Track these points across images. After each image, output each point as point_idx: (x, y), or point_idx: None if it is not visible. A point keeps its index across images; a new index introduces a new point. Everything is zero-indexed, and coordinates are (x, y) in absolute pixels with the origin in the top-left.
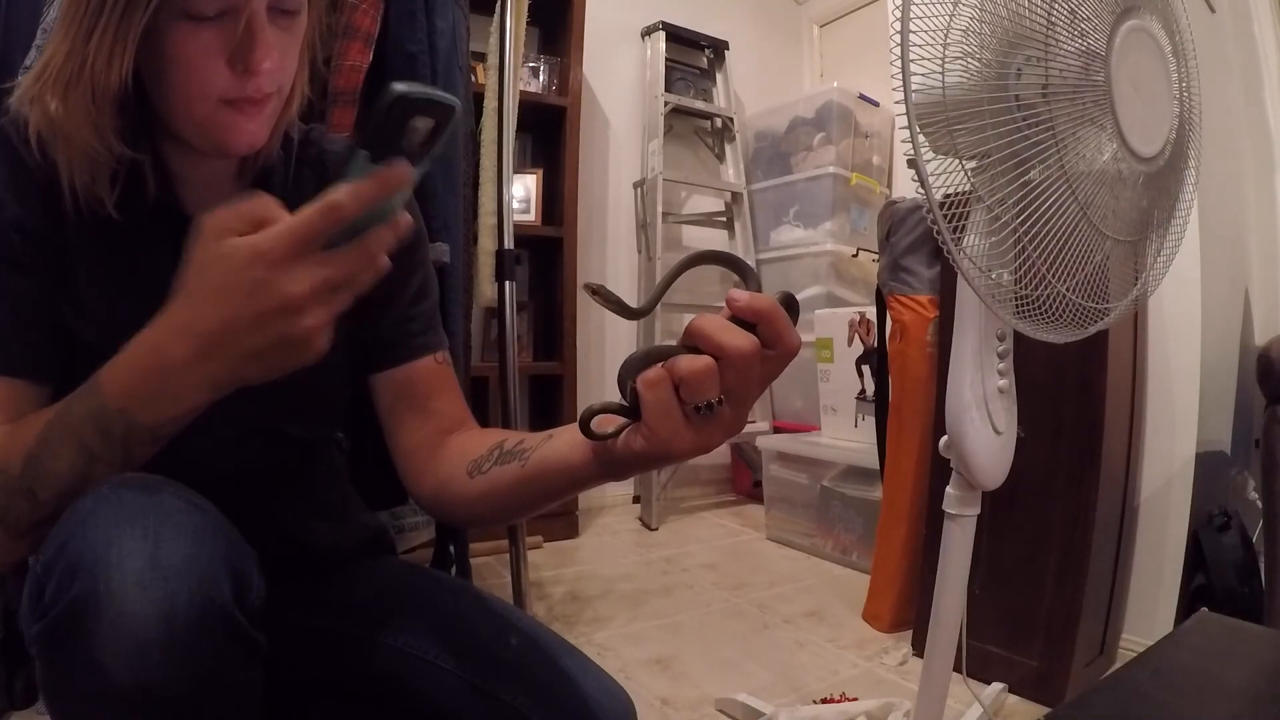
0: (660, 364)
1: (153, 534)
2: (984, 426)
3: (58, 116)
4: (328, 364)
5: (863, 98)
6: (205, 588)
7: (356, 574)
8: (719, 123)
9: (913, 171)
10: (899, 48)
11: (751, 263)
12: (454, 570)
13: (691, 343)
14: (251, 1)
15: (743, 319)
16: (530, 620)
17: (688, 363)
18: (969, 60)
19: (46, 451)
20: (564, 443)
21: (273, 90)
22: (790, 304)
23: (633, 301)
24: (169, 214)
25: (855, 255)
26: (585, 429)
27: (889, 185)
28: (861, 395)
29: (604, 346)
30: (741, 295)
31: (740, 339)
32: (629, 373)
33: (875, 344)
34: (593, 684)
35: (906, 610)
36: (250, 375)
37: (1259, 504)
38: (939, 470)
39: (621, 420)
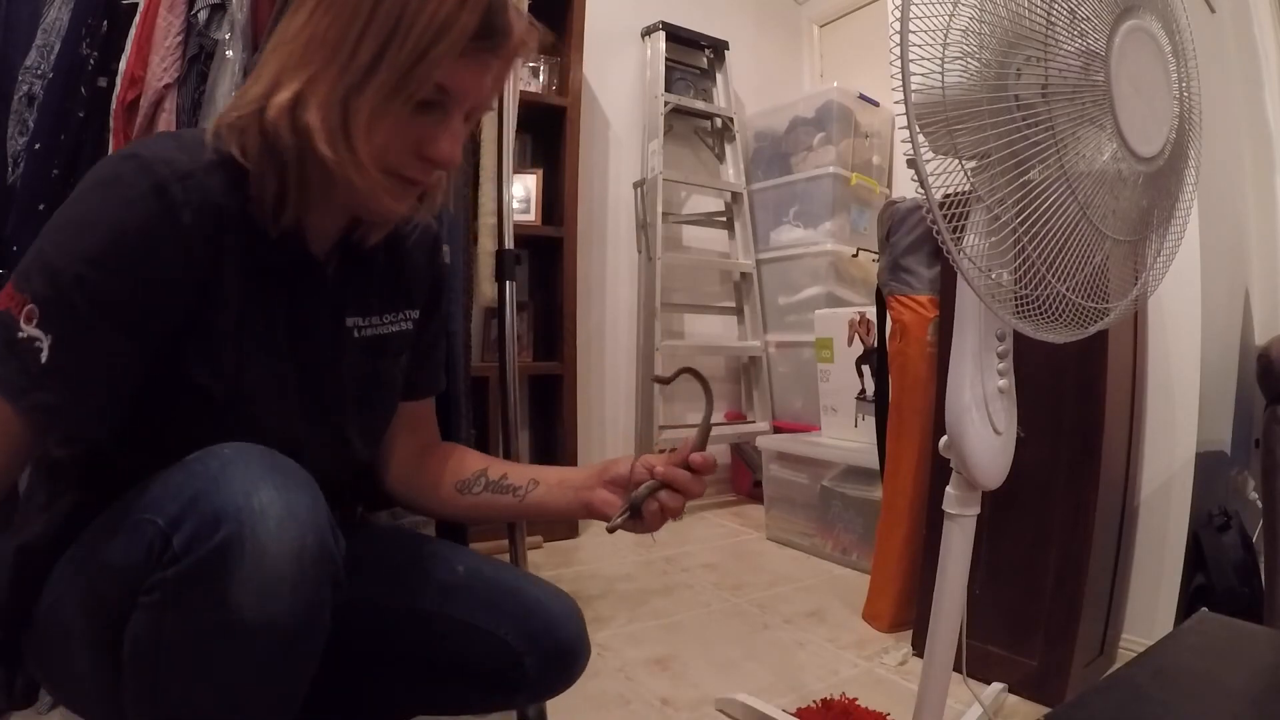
0: (652, 494)
1: (282, 486)
2: (984, 426)
3: (322, 153)
4: (394, 392)
5: (863, 98)
6: (323, 534)
7: None
8: (719, 123)
9: (913, 171)
10: (899, 48)
11: (751, 263)
12: None
13: (671, 486)
14: (461, 101)
15: (693, 468)
16: (471, 551)
17: (675, 500)
18: (968, 60)
19: None
20: (558, 496)
21: (436, 180)
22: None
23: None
24: (300, 253)
25: (855, 255)
26: (612, 526)
27: (889, 185)
28: (861, 395)
29: (604, 346)
30: (706, 461)
31: (698, 488)
32: (639, 499)
33: (875, 344)
34: (537, 589)
35: (906, 610)
36: None
37: (1259, 504)
38: (939, 470)
39: (626, 517)
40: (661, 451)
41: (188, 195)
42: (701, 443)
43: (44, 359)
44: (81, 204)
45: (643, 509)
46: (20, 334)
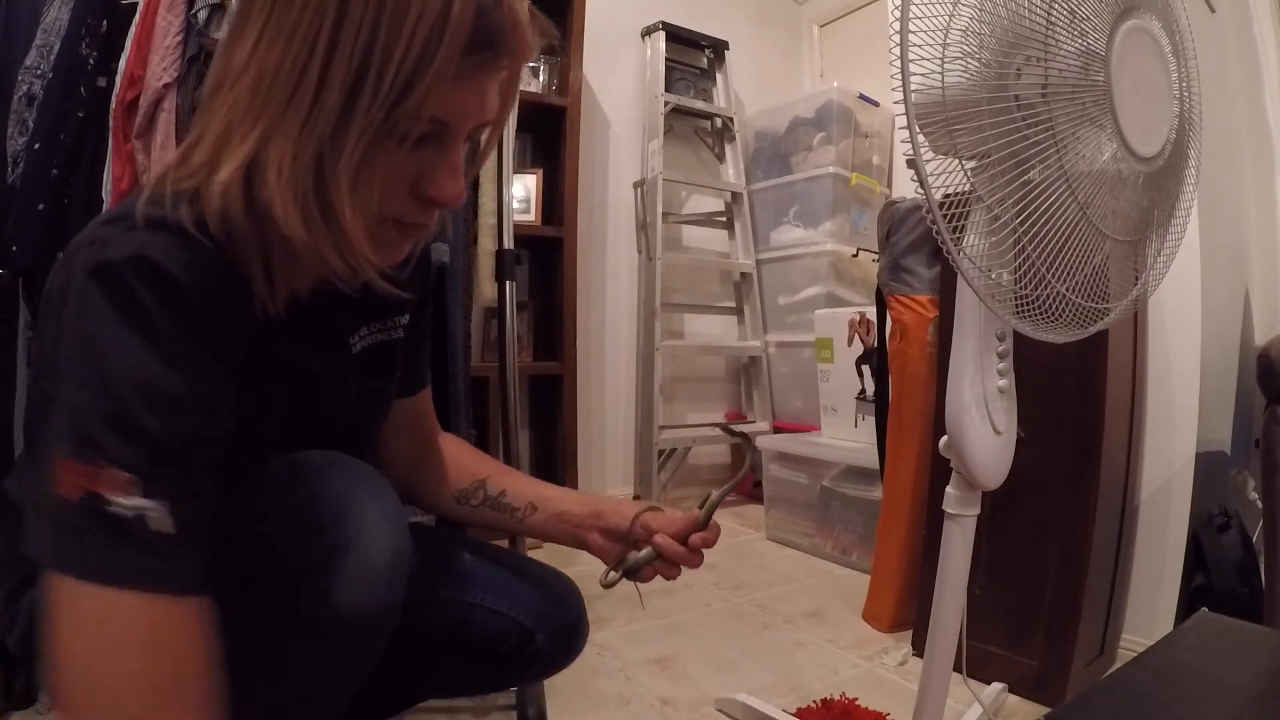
0: (650, 564)
1: (374, 492)
2: (984, 426)
3: (293, 233)
4: (389, 399)
5: (863, 98)
6: (407, 535)
7: None
8: (719, 123)
9: (913, 171)
10: (898, 48)
11: (751, 263)
12: None
13: (666, 557)
14: (459, 130)
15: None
16: (470, 537)
17: (671, 570)
18: (968, 60)
19: None
20: (554, 528)
21: (439, 219)
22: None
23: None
24: (316, 312)
25: (855, 255)
26: (606, 582)
27: (889, 185)
28: (861, 395)
29: (604, 346)
30: (707, 540)
31: (695, 562)
32: (633, 567)
33: (875, 344)
34: (540, 571)
35: (906, 610)
36: None
37: (1259, 504)
38: (939, 470)
39: (619, 579)
40: (655, 509)
41: (202, 296)
42: (707, 518)
43: (171, 528)
44: (95, 341)
45: (644, 576)
46: (122, 512)
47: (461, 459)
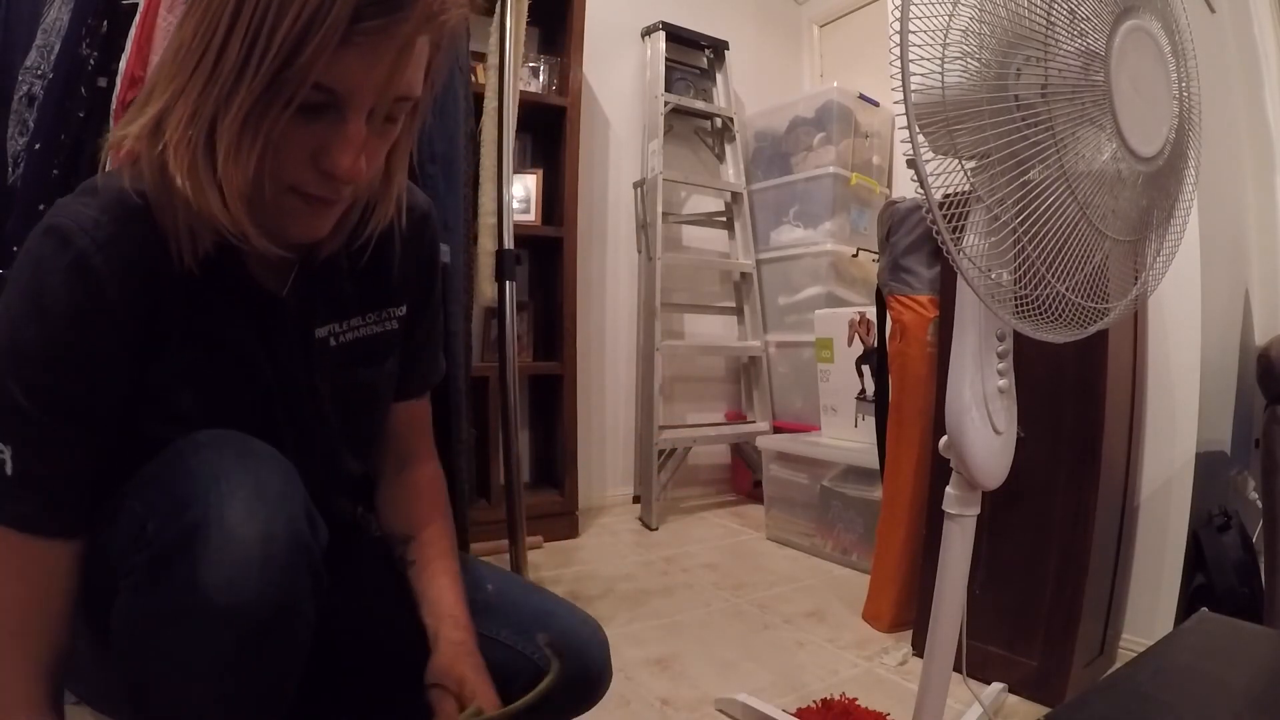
0: None
1: (253, 471)
2: (984, 426)
3: (184, 191)
4: (381, 397)
5: (863, 98)
6: (295, 521)
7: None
8: (719, 123)
9: (913, 171)
10: (898, 48)
11: (751, 263)
12: None
13: None
14: (353, 101)
15: None
16: (499, 570)
17: None
18: (968, 60)
19: None
20: (429, 614)
21: (349, 194)
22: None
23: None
24: (243, 285)
25: (855, 255)
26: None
27: (889, 185)
28: (861, 395)
29: (604, 346)
30: None
31: None
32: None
33: (875, 344)
34: (564, 613)
35: (906, 610)
36: None
37: (1259, 504)
38: (939, 470)
39: None
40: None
41: (110, 266)
42: None
43: (9, 470)
44: (10, 297)
45: None
46: None
47: (417, 503)
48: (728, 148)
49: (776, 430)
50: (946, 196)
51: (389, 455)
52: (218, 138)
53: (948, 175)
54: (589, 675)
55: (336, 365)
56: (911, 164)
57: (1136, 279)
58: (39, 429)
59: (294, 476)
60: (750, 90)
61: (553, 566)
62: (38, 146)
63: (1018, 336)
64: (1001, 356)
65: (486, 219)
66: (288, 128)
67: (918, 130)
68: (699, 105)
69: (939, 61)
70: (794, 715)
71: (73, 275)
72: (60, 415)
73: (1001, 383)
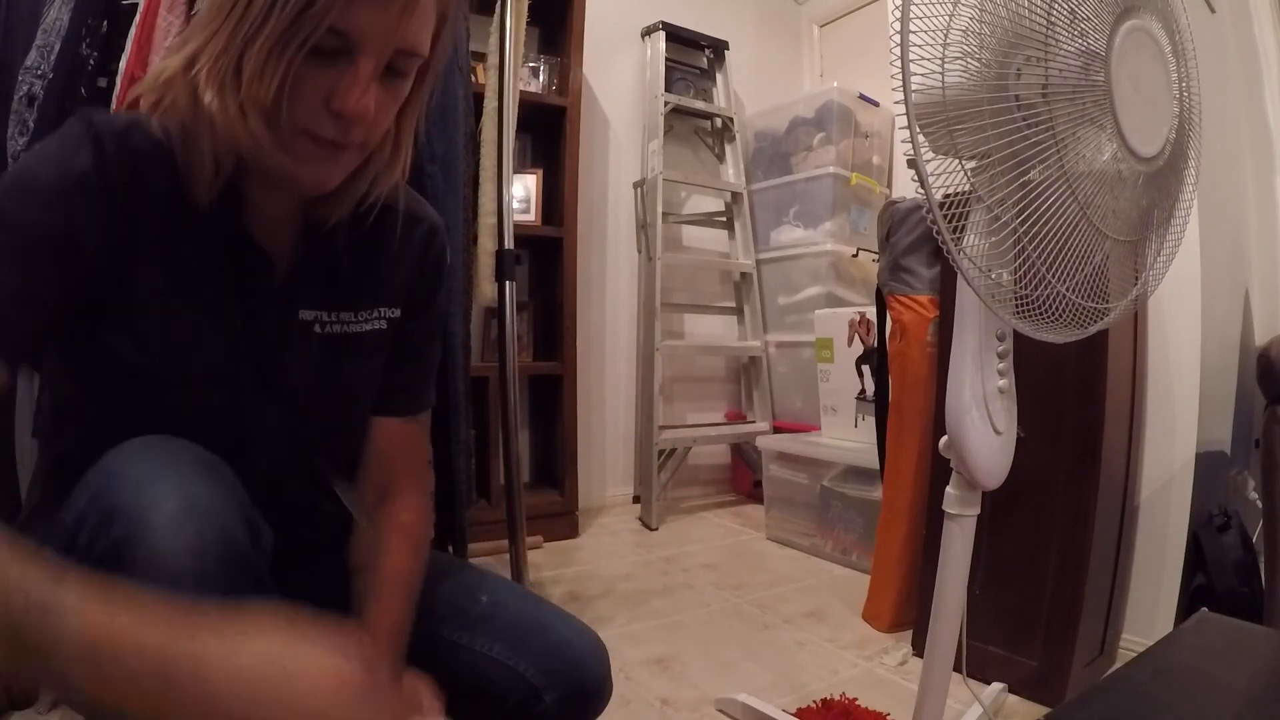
0: None
1: (183, 481)
2: (984, 426)
3: (211, 108)
4: (360, 400)
5: (863, 98)
6: (230, 530)
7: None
8: (719, 123)
9: (913, 171)
10: (899, 48)
11: (751, 263)
12: None
13: None
14: (364, 45)
15: None
16: (497, 579)
17: None
18: (969, 60)
19: None
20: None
21: (359, 140)
22: None
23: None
24: (236, 237)
25: (855, 255)
26: None
27: (889, 185)
28: (861, 395)
29: (604, 346)
30: None
31: None
32: None
33: (875, 344)
34: (562, 625)
35: (906, 610)
36: None
37: (1259, 504)
38: (939, 470)
39: None
40: None
41: (120, 154)
42: None
43: None
44: (27, 157)
45: None
46: None
47: (387, 540)
48: (728, 148)
49: (776, 430)
50: (947, 196)
51: (370, 483)
52: (244, 64)
53: (948, 175)
54: (586, 689)
55: (318, 353)
56: (912, 164)
57: (1137, 279)
58: (5, 247)
59: (230, 483)
60: (750, 90)
61: (553, 567)
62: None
63: (1018, 336)
64: (1001, 356)
65: (486, 219)
66: (303, 69)
67: (918, 130)
68: (699, 105)
69: (939, 61)
70: (794, 715)
71: (85, 141)
72: (28, 240)
73: (1001, 383)
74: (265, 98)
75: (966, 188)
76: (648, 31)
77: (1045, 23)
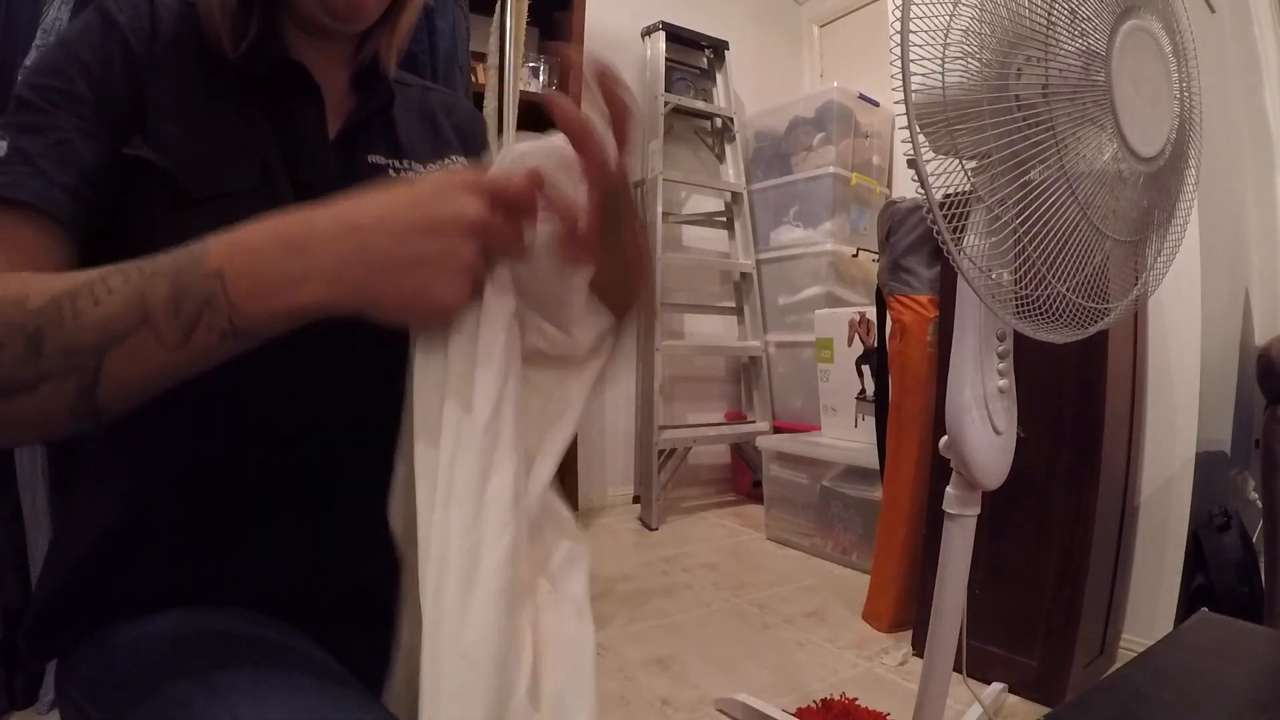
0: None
1: None
2: (984, 426)
3: None
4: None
5: (863, 98)
6: None
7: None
8: (719, 123)
9: (913, 171)
10: (899, 48)
11: (751, 263)
12: None
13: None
14: None
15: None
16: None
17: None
18: (969, 60)
19: (86, 293)
20: None
21: None
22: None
23: None
24: (279, 63)
25: (855, 255)
26: None
27: (889, 185)
28: (861, 395)
29: None
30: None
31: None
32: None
33: (875, 344)
34: None
35: (906, 610)
36: (375, 293)
37: (1259, 504)
38: (939, 470)
39: None
40: None
41: (120, 4)
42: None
43: (4, 152)
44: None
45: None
46: None
47: None
48: (728, 148)
49: (776, 430)
50: (947, 196)
51: None
52: None
53: (948, 175)
54: None
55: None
56: (912, 164)
57: (1137, 279)
58: (34, 116)
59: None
60: (750, 90)
61: None
62: None
63: (1018, 336)
64: (1002, 356)
65: None
66: None
67: (918, 130)
68: (699, 105)
69: (939, 61)
70: (794, 715)
71: (92, 11)
72: (57, 102)
73: (1002, 383)
74: None
75: (966, 188)
76: (648, 31)
77: (1045, 23)
